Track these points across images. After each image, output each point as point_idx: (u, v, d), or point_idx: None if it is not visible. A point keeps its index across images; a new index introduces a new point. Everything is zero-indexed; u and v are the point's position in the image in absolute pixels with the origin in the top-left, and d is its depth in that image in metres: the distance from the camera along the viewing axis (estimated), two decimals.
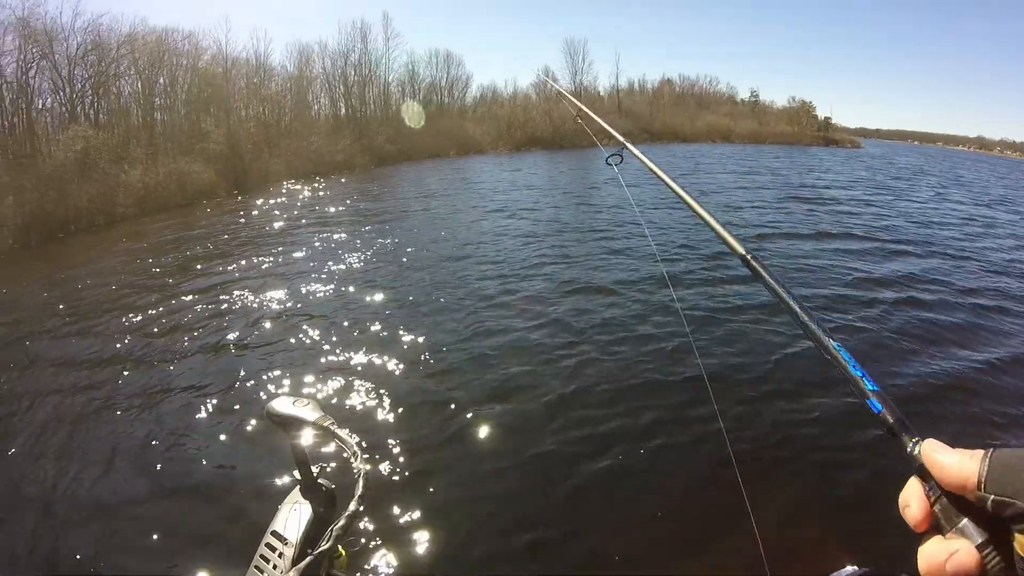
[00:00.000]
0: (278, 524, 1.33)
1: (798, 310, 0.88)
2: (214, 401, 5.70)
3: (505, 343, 6.84)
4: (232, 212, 18.55)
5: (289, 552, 1.26)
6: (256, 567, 1.27)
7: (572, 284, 9.13)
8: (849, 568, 0.93)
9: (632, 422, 5.02)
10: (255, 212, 18.40)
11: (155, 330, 7.86)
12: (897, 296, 8.51)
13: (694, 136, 54.37)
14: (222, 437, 5.07)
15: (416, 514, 3.91)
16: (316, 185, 24.80)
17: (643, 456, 4.56)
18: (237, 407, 5.54)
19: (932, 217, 16.84)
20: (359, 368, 6.23)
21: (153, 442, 5.08)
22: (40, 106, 23.45)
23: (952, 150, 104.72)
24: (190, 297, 9.29)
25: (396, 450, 4.64)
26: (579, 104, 3.07)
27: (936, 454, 0.59)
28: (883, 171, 33.51)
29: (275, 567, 1.25)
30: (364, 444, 1.34)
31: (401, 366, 6.23)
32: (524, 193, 21.00)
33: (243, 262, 11.50)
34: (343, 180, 26.42)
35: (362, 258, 11.34)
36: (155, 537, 3.89)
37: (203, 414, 5.47)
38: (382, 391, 5.61)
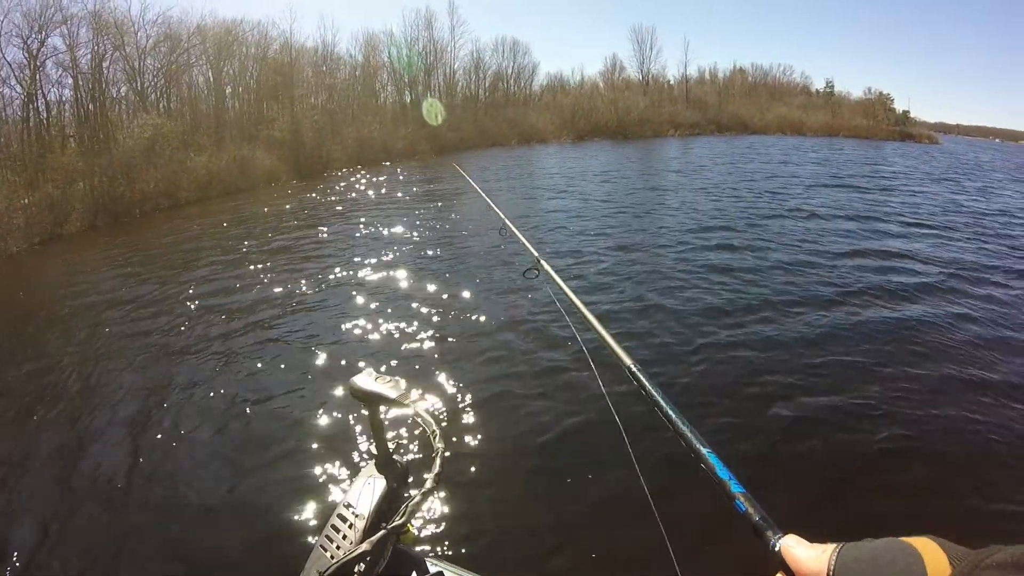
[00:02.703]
0: (352, 496, 1.35)
1: (675, 418, 0.97)
2: (296, 376, 5.78)
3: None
4: (290, 196, 18.88)
5: (360, 524, 1.28)
6: (327, 536, 1.29)
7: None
8: None
9: None
10: (312, 196, 18.76)
11: (234, 303, 8.09)
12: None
13: (764, 128, 51.66)
14: (303, 408, 5.11)
15: (482, 499, 3.88)
16: (376, 172, 24.76)
17: None
18: (319, 381, 5.61)
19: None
20: (439, 354, 6.15)
21: (237, 410, 5.19)
22: (114, 95, 24.17)
23: None
24: (257, 275, 9.46)
25: (470, 436, 4.59)
26: (504, 218, 3.16)
27: (793, 550, 0.67)
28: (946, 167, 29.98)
29: (345, 537, 1.27)
30: (443, 425, 1.75)
31: (481, 356, 6.05)
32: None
33: (300, 243, 11.67)
34: (402, 167, 26.23)
35: (430, 245, 11.15)
36: (233, 504, 3.98)
37: (285, 385, 5.56)
38: (462, 378, 5.52)
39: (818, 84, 65.66)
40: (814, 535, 0.67)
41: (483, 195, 4.06)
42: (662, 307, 7.35)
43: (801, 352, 6.04)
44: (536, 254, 2.43)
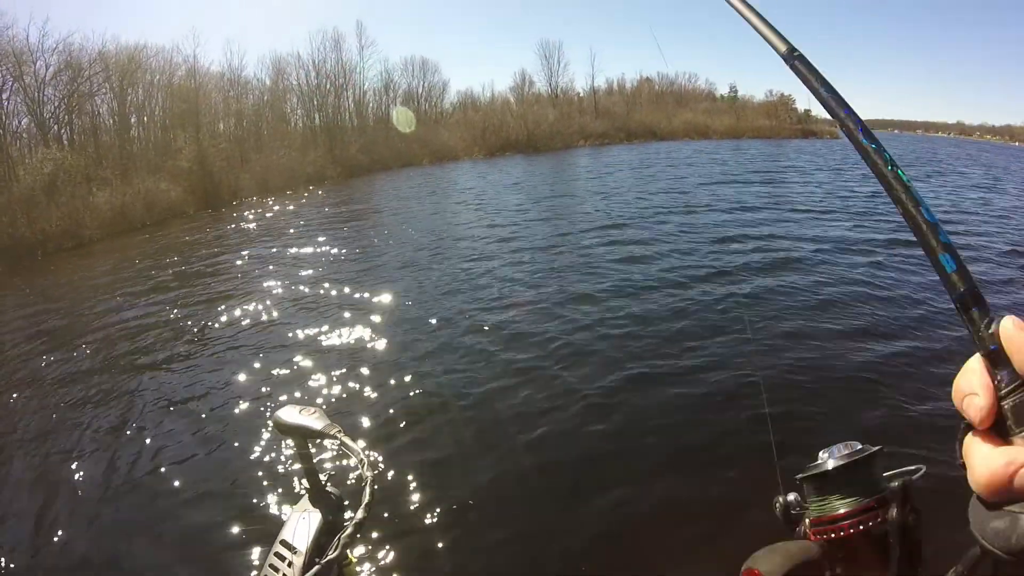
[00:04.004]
0: (287, 533, 1.33)
1: (851, 125, 0.64)
2: (218, 412, 5.86)
3: (505, 338, 7.24)
4: (199, 230, 18.99)
5: (298, 560, 1.26)
6: (265, 575, 1.29)
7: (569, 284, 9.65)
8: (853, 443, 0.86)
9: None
10: (221, 228, 19.06)
11: (144, 344, 8.17)
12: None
13: (671, 134, 54.84)
14: (228, 447, 5.15)
15: (421, 520, 4.01)
16: (284, 199, 25.15)
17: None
18: (242, 417, 5.68)
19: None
20: (360, 375, 6.39)
21: (156, 455, 5.16)
22: (15, 127, 24.07)
23: (932, 136, 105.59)
24: (170, 313, 9.65)
25: (401, 457, 4.72)
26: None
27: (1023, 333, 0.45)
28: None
29: (284, 575, 1.26)
30: (370, 452, 1.55)
31: (402, 372, 6.35)
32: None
33: (214, 278, 12.05)
34: (311, 194, 26.87)
35: (339, 270, 11.68)
36: (164, 548, 3.99)
37: (207, 425, 5.59)
38: (384, 398, 5.79)
39: (722, 90, 70.05)
40: None
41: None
42: (589, 295, 8.74)
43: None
44: None
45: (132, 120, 29.64)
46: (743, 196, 18.46)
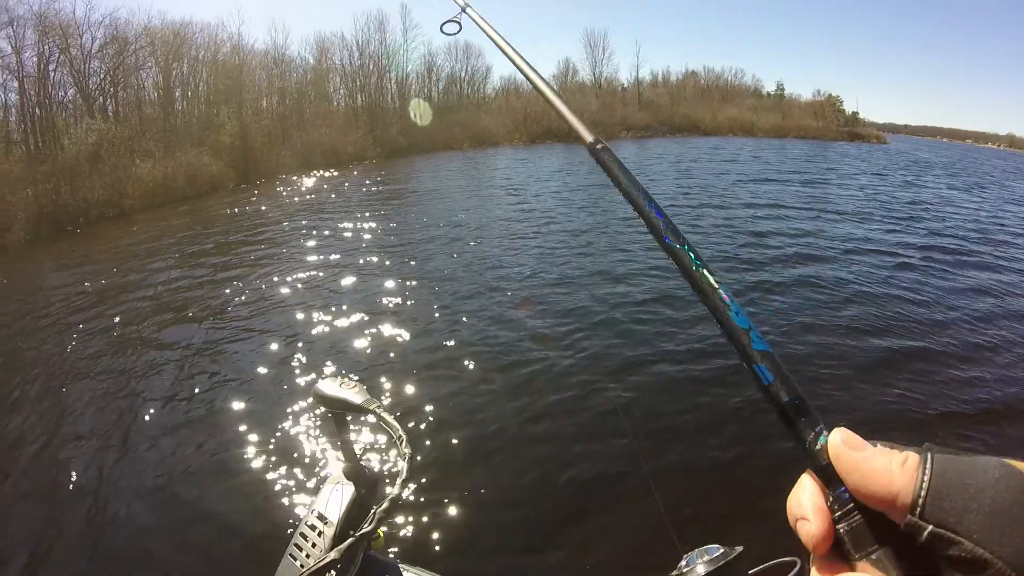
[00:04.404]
0: (320, 504, 1.35)
1: (653, 214, 0.62)
2: (257, 382, 5.85)
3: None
4: (239, 203, 18.95)
5: (329, 532, 1.29)
6: (296, 545, 1.31)
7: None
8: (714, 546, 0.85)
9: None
10: (261, 202, 18.96)
11: (187, 314, 8.10)
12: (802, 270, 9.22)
13: (715, 129, 53.54)
14: (265, 414, 5.14)
15: (452, 501, 3.93)
16: (324, 177, 25.14)
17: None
18: (279, 385, 5.69)
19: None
20: (400, 350, 6.38)
21: (196, 420, 5.21)
22: (61, 98, 24.12)
23: (981, 147, 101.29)
24: (211, 279, 9.72)
25: (438, 436, 4.66)
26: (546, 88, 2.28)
27: (853, 452, 0.43)
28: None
29: (314, 546, 1.28)
30: (408, 429, 1.30)
31: (444, 350, 6.32)
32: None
33: (254, 248, 12.00)
34: (351, 172, 26.65)
35: (384, 247, 11.51)
36: (198, 515, 3.98)
37: (247, 394, 5.58)
38: (423, 375, 5.71)
39: (769, 87, 68.10)
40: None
41: None
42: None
43: None
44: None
45: (176, 94, 29.59)
46: (783, 195, 17.99)
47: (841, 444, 0.43)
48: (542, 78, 1.13)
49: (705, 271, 0.56)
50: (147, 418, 5.36)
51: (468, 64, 49.33)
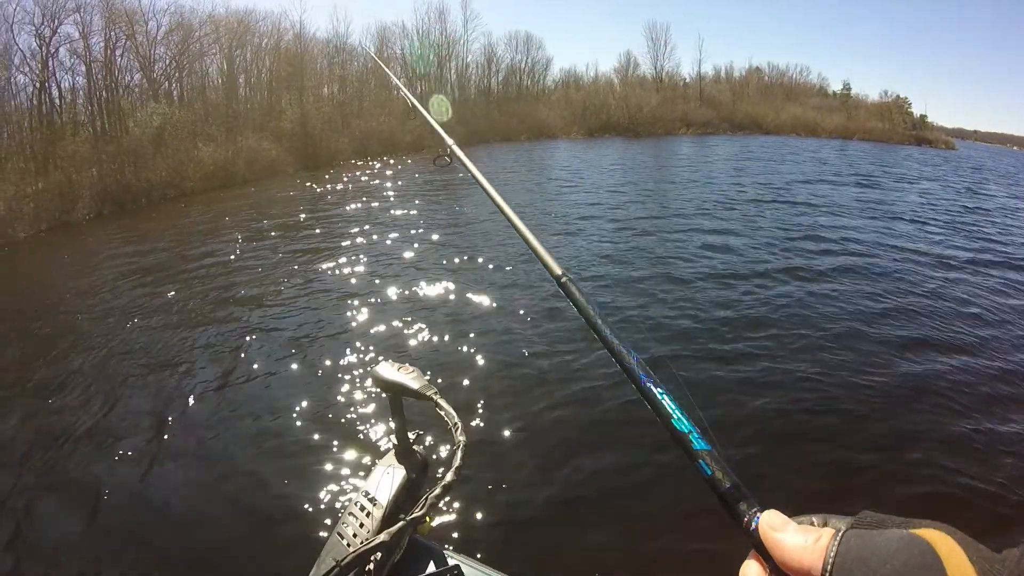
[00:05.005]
0: (370, 486, 1.34)
1: (613, 340, 0.76)
2: (314, 362, 5.84)
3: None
4: (298, 188, 19.11)
5: (378, 513, 1.27)
6: (345, 524, 1.29)
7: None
8: None
9: None
10: (320, 187, 19.04)
11: (244, 292, 8.14)
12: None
13: (777, 128, 51.09)
14: (322, 393, 5.17)
15: (501, 495, 3.86)
16: (382, 165, 24.98)
17: None
18: (337, 366, 5.69)
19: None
20: (459, 337, 6.30)
21: (257, 395, 5.29)
22: (128, 81, 24.47)
23: None
24: (269, 259, 9.80)
25: (490, 430, 4.59)
26: (412, 99, 2.63)
27: (776, 532, 0.50)
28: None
29: (362, 526, 1.26)
30: (464, 417, 1.35)
31: (502, 342, 6.22)
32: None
33: (312, 230, 12.03)
34: (408, 161, 26.38)
35: (447, 237, 11.32)
36: (252, 486, 4.03)
37: (306, 373, 5.61)
38: (481, 365, 5.64)
39: (835, 86, 65.00)
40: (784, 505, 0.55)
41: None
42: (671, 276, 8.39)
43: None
44: (448, 141, 2.04)
45: (240, 80, 29.76)
46: (842, 198, 16.65)
47: (765, 526, 0.51)
48: (517, 215, 1.25)
49: (651, 383, 0.68)
50: (203, 390, 5.40)
51: (528, 56, 48.55)
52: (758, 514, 0.53)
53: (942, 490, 3.91)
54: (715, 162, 26.28)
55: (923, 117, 59.12)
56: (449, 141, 2.02)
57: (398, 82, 3.32)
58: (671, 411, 0.64)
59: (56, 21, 20.97)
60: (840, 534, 0.46)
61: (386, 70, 4.01)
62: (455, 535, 3.52)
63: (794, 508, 0.54)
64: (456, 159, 1.90)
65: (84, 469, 4.35)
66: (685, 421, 0.63)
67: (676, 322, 6.72)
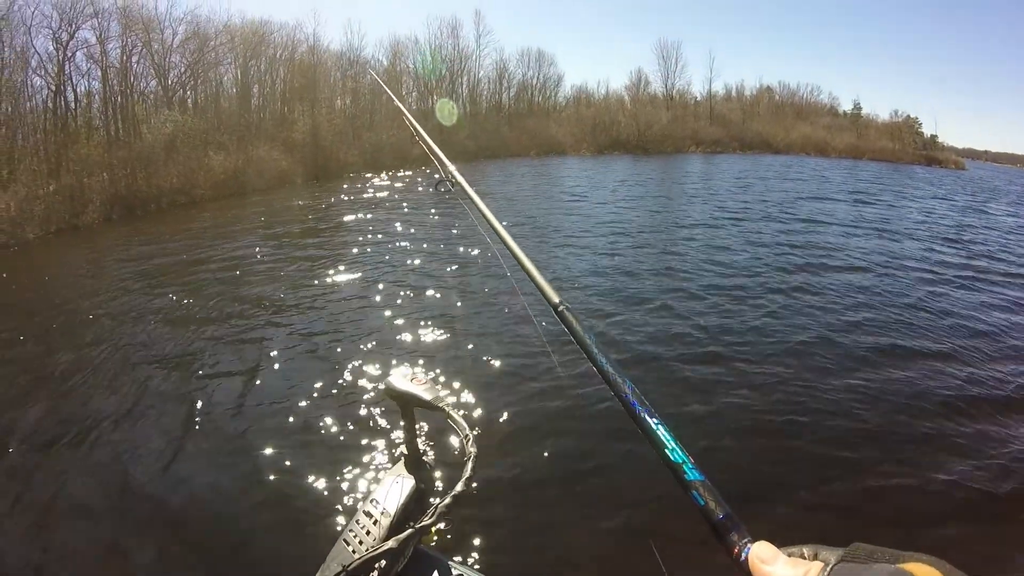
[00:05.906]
0: (379, 494, 1.36)
1: (610, 370, 0.79)
2: (325, 363, 5.89)
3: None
4: (307, 197, 19.21)
5: (385, 521, 1.29)
6: (351, 531, 1.31)
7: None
8: None
9: None
10: (329, 197, 19.16)
11: (261, 298, 8.08)
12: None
13: (787, 147, 51.11)
14: (335, 403, 5.11)
15: (508, 509, 3.79)
16: (391, 177, 25.05)
17: None
18: (354, 376, 5.62)
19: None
20: (471, 350, 6.25)
21: (268, 401, 5.23)
22: (142, 87, 24.73)
23: None
24: (279, 266, 9.83)
25: (501, 444, 4.51)
26: (414, 124, 2.72)
27: (765, 565, 0.51)
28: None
29: (368, 533, 1.28)
30: (475, 429, 1.31)
31: (512, 355, 6.06)
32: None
33: (322, 238, 12.19)
34: (417, 174, 26.18)
35: (442, 240, 11.52)
36: (260, 492, 4.00)
37: (318, 380, 5.52)
38: (499, 383, 5.53)
39: (846, 105, 65.01)
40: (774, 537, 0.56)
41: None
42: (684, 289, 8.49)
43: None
44: (450, 166, 2.15)
45: (253, 90, 30.00)
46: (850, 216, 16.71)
47: (755, 558, 0.52)
48: (516, 243, 1.29)
49: (644, 413, 0.71)
50: (216, 395, 5.36)
51: (540, 72, 48.84)
52: (748, 545, 0.54)
53: (943, 518, 3.78)
54: (720, 180, 26.41)
55: (934, 137, 59.08)
56: (451, 168, 2.07)
57: (404, 108, 3.35)
58: (665, 441, 0.67)
59: (73, 26, 21.23)
60: (829, 568, 0.46)
61: (391, 94, 3.94)
62: (459, 546, 3.47)
63: (784, 537, 0.54)
64: (458, 187, 1.94)
65: (98, 463, 4.41)
66: (679, 451, 0.66)
67: (665, 346, 6.51)
